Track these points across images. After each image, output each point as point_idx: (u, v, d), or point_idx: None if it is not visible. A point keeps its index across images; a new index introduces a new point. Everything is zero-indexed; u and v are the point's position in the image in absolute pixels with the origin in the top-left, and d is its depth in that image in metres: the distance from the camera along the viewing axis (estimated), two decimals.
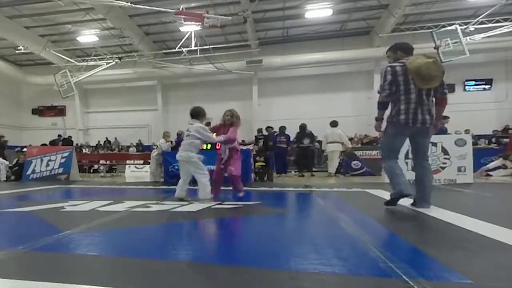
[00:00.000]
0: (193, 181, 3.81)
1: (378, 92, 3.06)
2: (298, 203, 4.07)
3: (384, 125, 3.21)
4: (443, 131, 8.20)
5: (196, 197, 3.62)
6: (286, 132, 9.45)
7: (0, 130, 12.84)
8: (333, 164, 8.68)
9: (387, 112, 3.14)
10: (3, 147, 10.49)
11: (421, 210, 2.88)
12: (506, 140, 10.56)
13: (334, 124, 8.76)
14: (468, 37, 10.95)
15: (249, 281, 1.30)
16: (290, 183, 6.56)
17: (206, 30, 10.85)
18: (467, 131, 9.87)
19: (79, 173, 9.03)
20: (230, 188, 4.25)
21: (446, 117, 8.82)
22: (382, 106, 3.11)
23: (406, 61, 2.95)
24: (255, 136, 9.96)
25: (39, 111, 17.87)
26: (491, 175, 7.60)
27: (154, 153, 7.66)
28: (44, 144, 9.59)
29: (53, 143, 11.26)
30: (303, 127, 9.15)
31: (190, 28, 11.47)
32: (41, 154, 7.92)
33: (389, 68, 2.99)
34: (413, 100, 2.90)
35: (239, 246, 1.95)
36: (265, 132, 9.63)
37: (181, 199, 3.63)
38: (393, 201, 3.07)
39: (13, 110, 17.36)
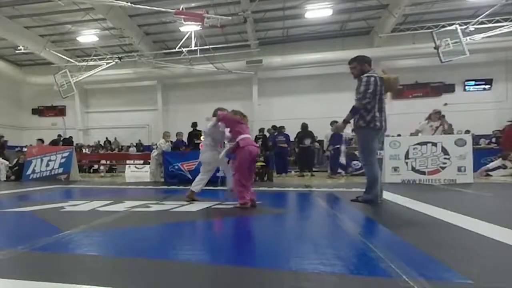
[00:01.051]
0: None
1: (358, 99, 3.22)
2: (298, 203, 4.07)
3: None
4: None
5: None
6: (286, 132, 9.43)
7: (0, 130, 12.85)
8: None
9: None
10: (3, 147, 10.48)
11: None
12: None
13: (331, 124, 8.74)
14: (468, 37, 10.94)
15: (249, 281, 1.30)
16: (290, 183, 6.56)
17: (206, 30, 10.84)
18: (467, 131, 9.87)
19: (79, 173, 9.03)
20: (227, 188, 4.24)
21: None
22: (356, 112, 3.31)
23: (375, 73, 3.28)
24: (255, 136, 9.95)
25: (39, 111, 17.87)
26: (491, 175, 7.60)
27: (154, 153, 7.66)
28: (40, 140, 9.46)
29: (53, 143, 11.23)
30: (304, 127, 9.13)
31: (190, 28, 11.46)
32: (41, 154, 7.92)
33: (372, 79, 3.20)
34: (384, 109, 3.28)
35: (239, 246, 1.95)
36: (266, 133, 9.63)
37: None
38: (362, 201, 3.36)
39: (13, 110, 17.35)
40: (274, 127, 9.68)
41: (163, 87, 16.29)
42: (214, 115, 3.67)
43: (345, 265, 1.45)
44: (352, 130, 3.67)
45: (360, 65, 3.37)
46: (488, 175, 7.65)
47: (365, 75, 3.25)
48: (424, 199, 3.51)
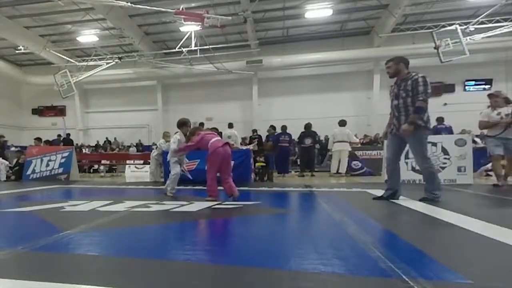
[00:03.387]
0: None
1: (423, 100, 3.23)
2: (298, 203, 4.07)
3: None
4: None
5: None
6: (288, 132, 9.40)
7: (0, 130, 12.85)
8: (343, 163, 8.54)
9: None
10: (3, 147, 10.47)
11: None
12: None
13: (342, 123, 8.70)
14: (468, 37, 10.95)
15: (249, 281, 1.30)
16: (290, 183, 6.56)
17: (206, 30, 10.86)
18: (467, 131, 9.87)
19: (79, 173, 9.02)
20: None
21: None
22: (423, 111, 3.28)
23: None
24: (250, 137, 9.94)
25: (39, 111, 17.89)
26: (491, 175, 7.59)
27: (154, 153, 7.66)
28: (38, 139, 9.40)
29: (47, 142, 11.22)
30: (308, 127, 9.10)
31: (190, 28, 11.47)
32: (41, 154, 7.92)
33: (427, 79, 3.27)
34: None
35: (239, 246, 1.95)
36: (266, 132, 9.61)
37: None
38: (435, 200, 3.33)
39: (13, 110, 17.37)
40: (272, 127, 9.67)
41: (163, 87, 16.30)
42: (181, 125, 4.46)
43: (345, 265, 1.45)
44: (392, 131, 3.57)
45: (396, 65, 3.44)
46: (488, 175, 7.64)
47: (420, 75, 3.28)
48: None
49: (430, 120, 3.38)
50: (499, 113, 5.00)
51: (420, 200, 3.38)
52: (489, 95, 5.22)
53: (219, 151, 3.62)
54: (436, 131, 8.54)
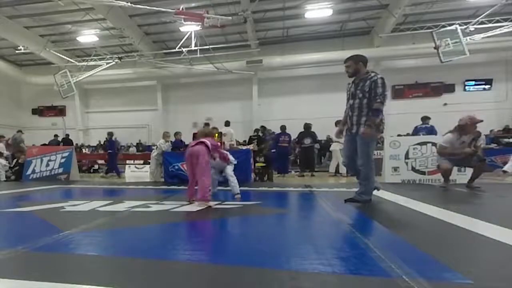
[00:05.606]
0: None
1: (381, 102, 3.14)
2: (298, 203, 4.07)
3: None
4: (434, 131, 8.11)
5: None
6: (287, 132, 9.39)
7: (0, 130, 12.85)
8: (341, 163, 8.48)
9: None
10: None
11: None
12: (506, 140, 10.55)
13: (336, 123, 8.68)
14: (468, 37, 10.94)
15: (249, 281, 1.30)
16: (290, 183, 6.56)
17: (206, 30, 10.84)
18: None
19: (79, 173, 9.01)
20: (229, 188, 4.25)
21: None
22: (379, 114, 3.19)
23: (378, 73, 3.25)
24: (250, 136, 9.93)
25: (39, 111, 17.89)
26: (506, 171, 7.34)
27: (154, 153, 7.66)
28: (44, 144, 9.49)
29: (50, 144, 11.24)
30: (306, 126, 9.08)
31: (190, 28, 11.46)
32: (41, 154, 7.92)
33: (385, 81, 3.18)
34: None
35: (239, 246, 1.95)
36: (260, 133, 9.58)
37: None
38: (361, 202, 3.33)
39: (13, 110, 17.35)
40: (263, 127, 9.64)
41: (163, 87, 16.29)
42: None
43: (345, 265, 1.45)
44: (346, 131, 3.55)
45: (355, 64, 3.34)
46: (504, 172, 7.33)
47: (379, 76, 3.20)
48: (423, 199, 3.51)
49: (385, 123, 3.30)
50: (462, 142, 4.64)
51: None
52: (472, 120, 4.61)
53: (186, 151, 3.57)
54: (415, 132, 8.15)
